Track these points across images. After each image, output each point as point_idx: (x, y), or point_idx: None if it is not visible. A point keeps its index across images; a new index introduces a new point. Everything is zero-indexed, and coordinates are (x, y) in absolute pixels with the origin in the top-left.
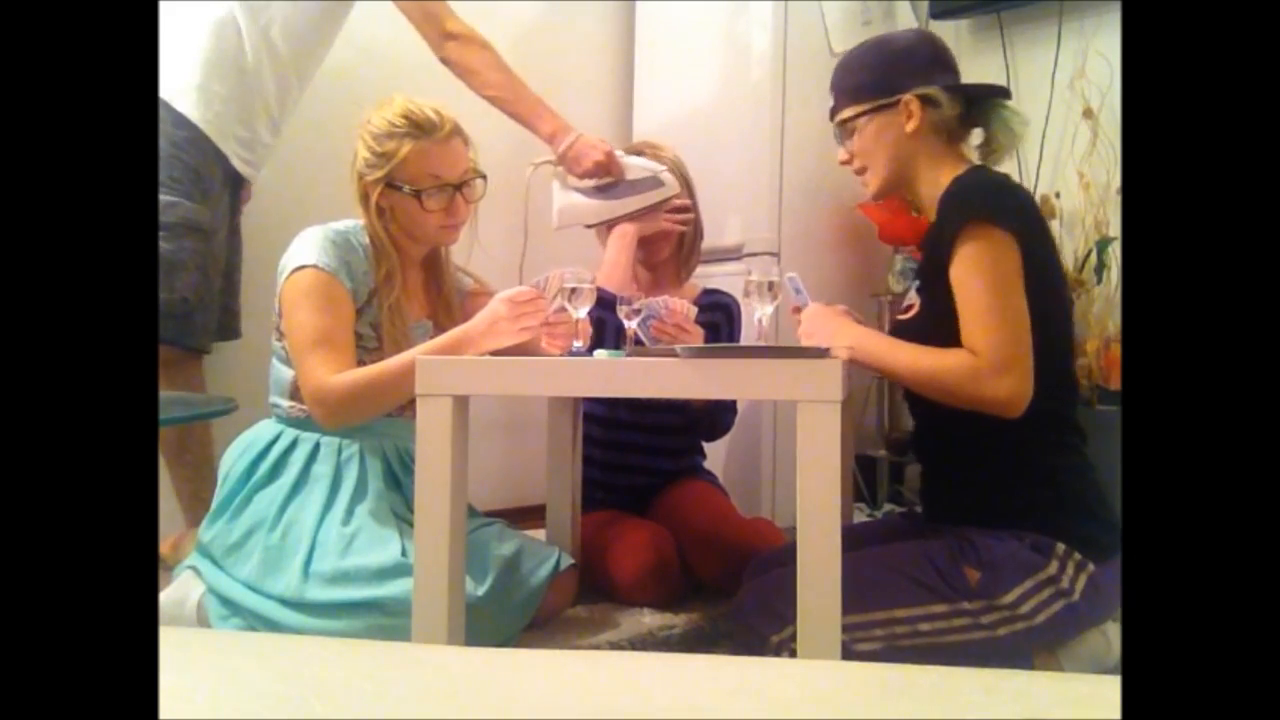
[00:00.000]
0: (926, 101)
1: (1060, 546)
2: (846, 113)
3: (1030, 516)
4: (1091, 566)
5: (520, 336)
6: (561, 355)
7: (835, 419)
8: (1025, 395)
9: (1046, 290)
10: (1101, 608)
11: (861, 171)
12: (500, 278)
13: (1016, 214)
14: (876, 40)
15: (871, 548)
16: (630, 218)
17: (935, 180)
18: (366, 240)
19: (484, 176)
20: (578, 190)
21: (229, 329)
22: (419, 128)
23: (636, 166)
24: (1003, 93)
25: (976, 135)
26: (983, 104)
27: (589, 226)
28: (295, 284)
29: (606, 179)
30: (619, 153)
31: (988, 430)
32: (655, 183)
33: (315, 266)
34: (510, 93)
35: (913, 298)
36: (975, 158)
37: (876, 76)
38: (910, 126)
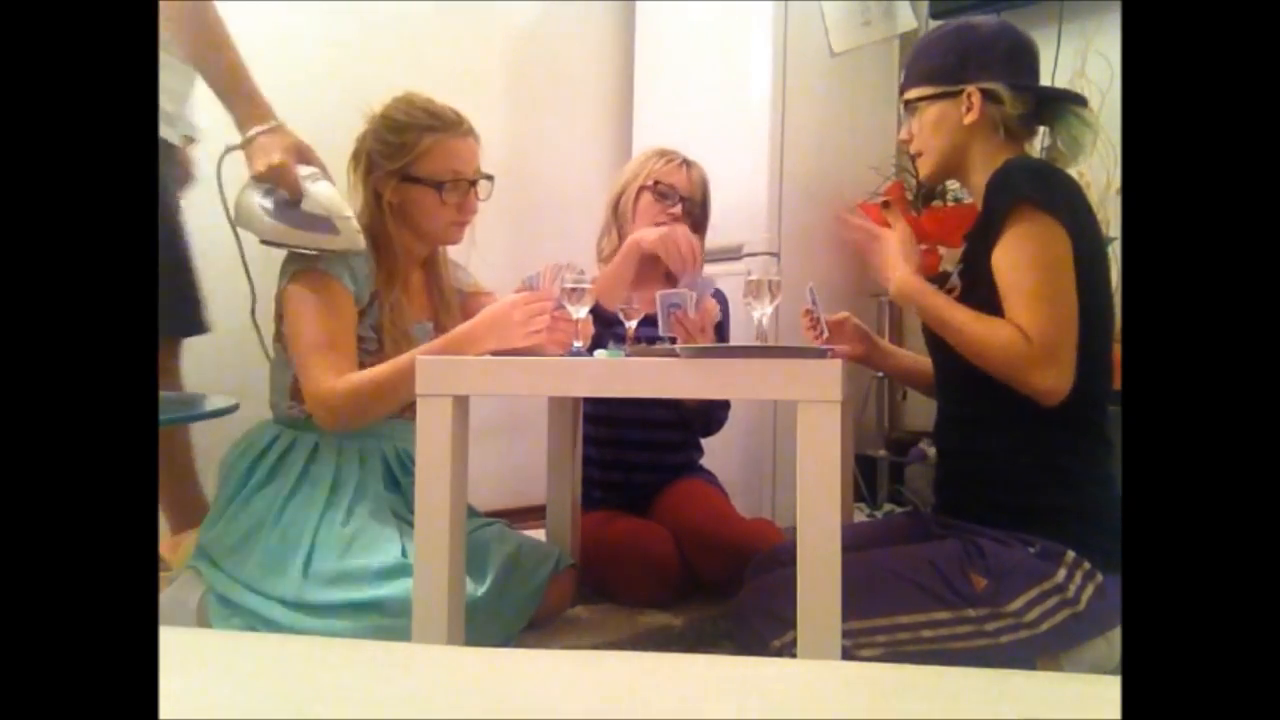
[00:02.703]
0: (989, 96)
1: (1069, 554)
2: (912, 94)
3: (1045, 521)
4: (1100, 576)
5: (529, 340)
6: (561, 355)
7: (835, 419)
8: (1066, 385)
9: (1091, 291)
10: (1107, 617)
11: (917, 153)
12: (496, 278)
13: (1066, 204)
14: (958, 26)
15: (874, 550)
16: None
17: (988, 172)
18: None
19: (491, 177)
20: (261, 195)
21: (192, 322)
22: (441, 120)
23: (321, 201)
24: (1077, 99)
25: (1046, 136)
26: (1055, 106)
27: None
28: (296, 286)
29: (287, 195)
30: (313, 180)
31: (1015, 428)
32: (329, 227)
33: (316, 268)
34: (213, 54)
35: (954, 281)
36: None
37: (948, 63)
38: (969, 118)
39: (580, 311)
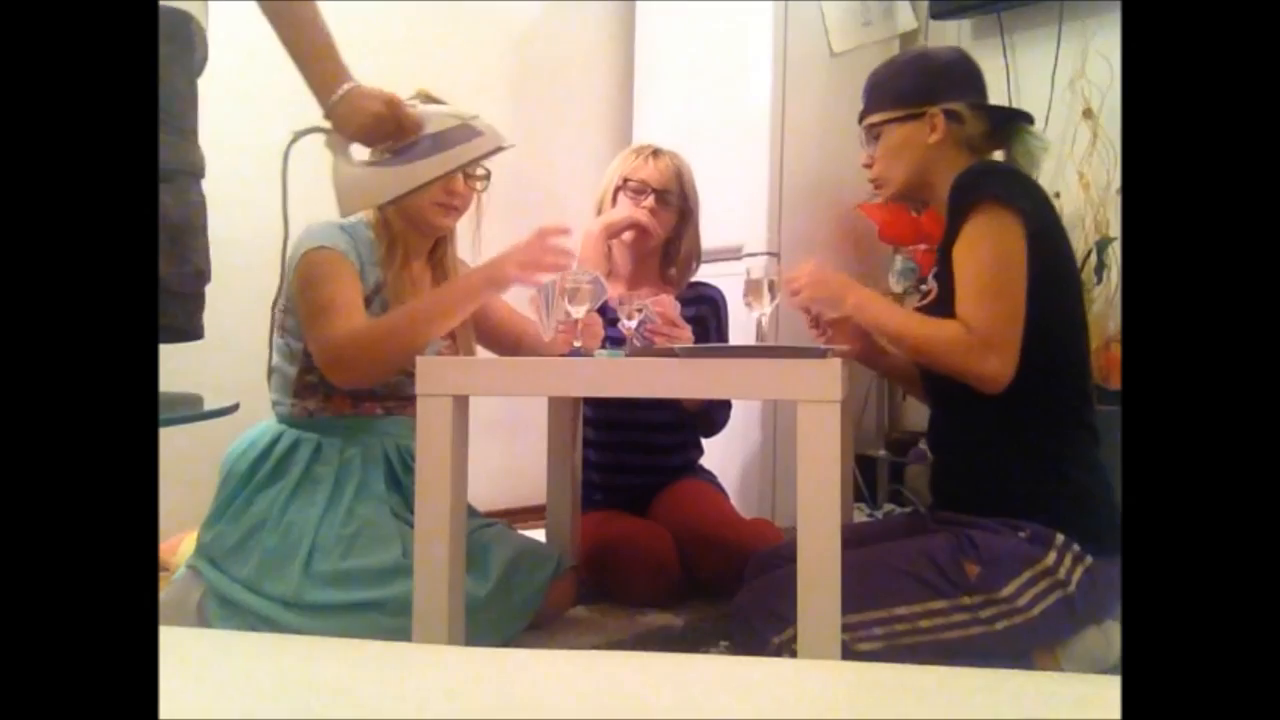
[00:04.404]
0: (951, 116)
1: (1059, 537)
2: (875, 117)
3: (1035, 508)
4: (1089, 559)
5: (525, 278)
6: (561, 355)
7: (835, 419)
8: (1008, 373)
9: (1057, 280)
10: (1097, 603)
11: (878, 178)
12: None
13: (1025, 197)
14: (918, 52)
15: (870, 546)
16: (444, 180)
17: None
18: (370, 234)
19: (487, 175)
20: (365, 163)
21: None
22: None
23: (440, 115)
24: (1026, 118)
25: (999, 155)
26: (1007, 125)
27: (390, 205)
28: (307, 264)
29: (403, 140)
30: (415, 103)
31: (1002, 421)
32: (469, 131)
33: (324, 246)
34: (296, 9)
35: (931, 283)
36: None
37: (910, 86)
38: (933, 138)
39: (579, 311)
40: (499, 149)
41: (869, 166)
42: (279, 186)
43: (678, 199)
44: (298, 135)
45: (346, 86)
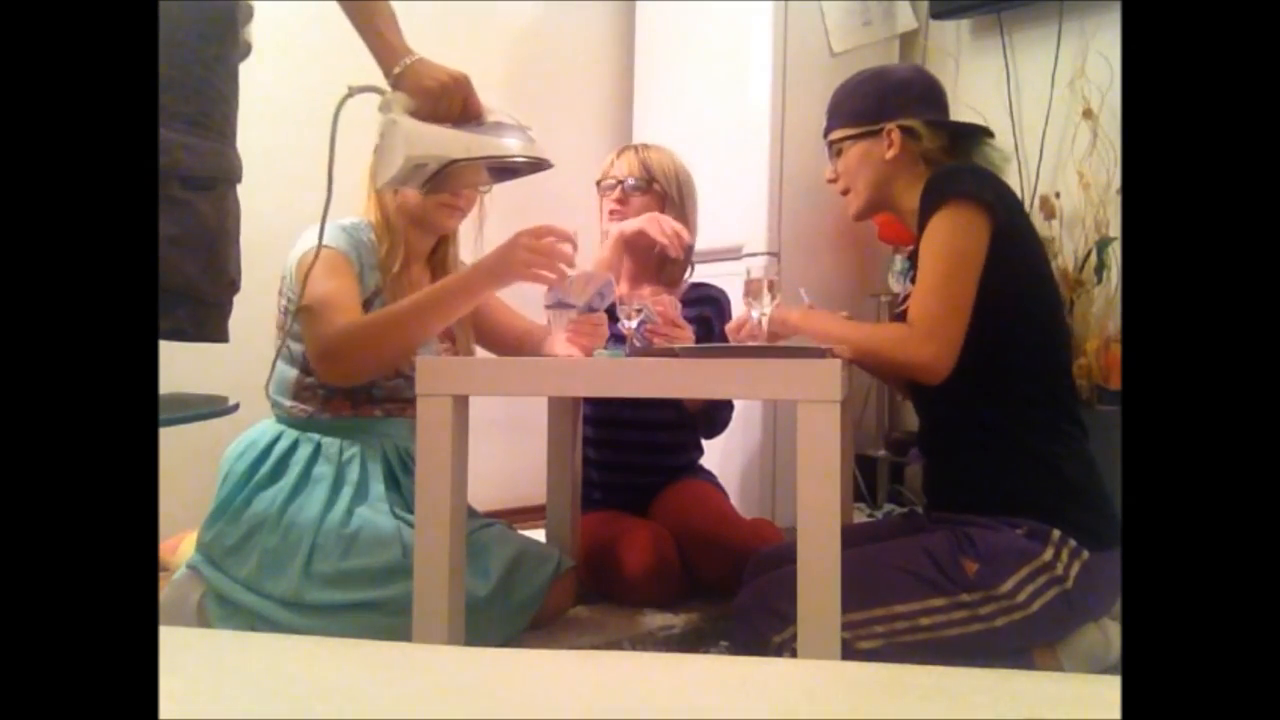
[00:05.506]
0: (907, 132)
1: (1055, 533)
2: (835, 134)
3: (1028, 502)
4: (1086, 554)
5: (529, 278)
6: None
7: (835, 419)
8: (946, 363)
9: (1030, 272)
10: (1095, 599)
11: (845, 192)
12: None
13: (991, 191)
14: (876, 70)
15: (869, 545)
16: (499, 165)
17: (915, 201)
18: (372, 236)
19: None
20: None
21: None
22: None
23: (503, 113)
24: (985, 132)
25: None
26: (968, 139)
27: (431, 186)
28: (308, 263)
29: (462, 120)
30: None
31: (984, 418)
32: (524, 135)
33: (326, 246)
34: None
35: (908, 287)
36: None
37: (868, 104)
38: (890, 154)
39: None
40: (547, 164)
41: (833, 181)
42: (281, 182)
43: (646, 185)
44: (353, 91)
45: (418, 55)
